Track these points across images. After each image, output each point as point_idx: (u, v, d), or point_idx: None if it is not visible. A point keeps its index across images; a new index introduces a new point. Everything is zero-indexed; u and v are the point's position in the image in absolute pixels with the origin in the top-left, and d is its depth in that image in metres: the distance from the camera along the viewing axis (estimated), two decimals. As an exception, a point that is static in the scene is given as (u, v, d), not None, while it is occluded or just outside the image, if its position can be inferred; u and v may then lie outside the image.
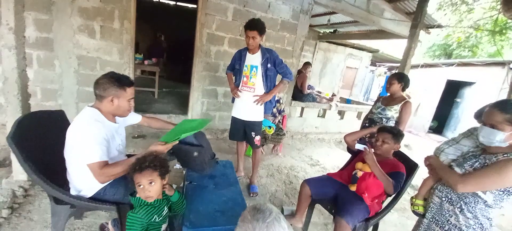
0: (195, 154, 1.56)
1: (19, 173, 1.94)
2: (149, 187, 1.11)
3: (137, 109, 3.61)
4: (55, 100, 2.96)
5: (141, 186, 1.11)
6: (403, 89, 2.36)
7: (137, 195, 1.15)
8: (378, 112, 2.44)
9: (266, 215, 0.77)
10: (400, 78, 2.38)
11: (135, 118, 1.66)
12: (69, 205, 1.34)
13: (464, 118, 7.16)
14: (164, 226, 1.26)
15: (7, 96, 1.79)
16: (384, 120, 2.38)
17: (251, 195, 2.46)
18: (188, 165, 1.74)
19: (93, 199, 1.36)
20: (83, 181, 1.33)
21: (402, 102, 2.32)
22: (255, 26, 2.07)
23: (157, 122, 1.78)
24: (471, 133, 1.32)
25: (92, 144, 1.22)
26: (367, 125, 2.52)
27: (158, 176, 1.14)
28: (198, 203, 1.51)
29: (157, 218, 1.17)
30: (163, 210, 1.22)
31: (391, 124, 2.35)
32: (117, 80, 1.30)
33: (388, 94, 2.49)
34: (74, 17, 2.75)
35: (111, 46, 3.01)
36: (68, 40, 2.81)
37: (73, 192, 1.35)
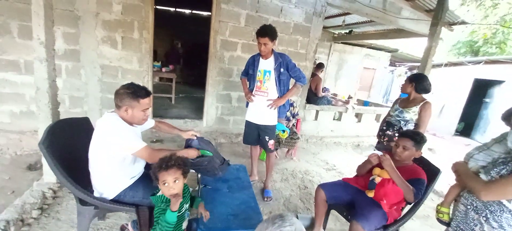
0: (205, 163, 1.61)
1: (49, 176, 2.09)
2: (174, 185, 1.18)
3: (155, 115, 3.78)
4: (81, 107, 3.16)
5: (166, 184, 1.17)
6: (418, 90, 2.23)
7: (162, 193, 1.22)
8: (396, 115, 2.32)
9: (285, 224, 0.77)
10: (411, 78, 2.28)
11: (149, 123, 1.74)
12: (93, 206, 1.43)
13: (494, 120, 6.66)
14: (184, 224, 1.32)
15: (39, 105, 1.95)
16: (402, 122, 2.26)
17: (265, 199, 2.45)
18: (200, 172, 1.79)
19: (114, 201, 1.44)
20: (105, 183, 1.42)
21: (422, 103, 2.19)
22: (266, 32, 2.09)
23: (164, 126, 1.87)
24: (503, 138, 1.24)
25: (129, 136, 1.36)
26: (384, 128, 2.42)
27: (182, 174, 1.21)
28: (212, 206, 1.54)
29: (177, 213, 1.23)
30: (183, 207, 1.28)
31: (410, 126, 2.23)
32: (132, 92, 1.39)
33: (406, 96, 2.37)
34: (98, 30, 2.95)
35: (131, 55, 3.18)
36: (93, 51, 3.00)
37: (96, 194, 1.44)
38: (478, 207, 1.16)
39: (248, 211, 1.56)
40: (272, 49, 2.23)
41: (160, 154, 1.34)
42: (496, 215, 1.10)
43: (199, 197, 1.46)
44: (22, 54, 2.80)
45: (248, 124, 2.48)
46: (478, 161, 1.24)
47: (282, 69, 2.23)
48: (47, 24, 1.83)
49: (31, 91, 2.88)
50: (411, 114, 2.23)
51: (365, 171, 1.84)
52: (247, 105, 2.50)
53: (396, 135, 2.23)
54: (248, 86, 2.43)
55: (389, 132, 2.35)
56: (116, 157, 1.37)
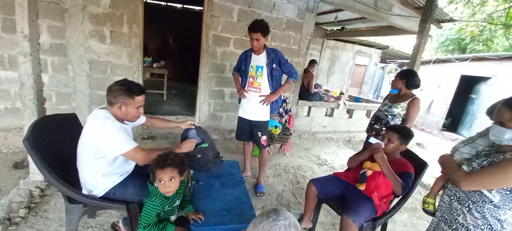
0: (199, 156, 1.60)
1: (36, 174, 2.03)
2: (170, 183, 1.19)
3: (146, 111, 3.69)
4: (69, 103, 3.08)
5: (162, 182, 1.18)
6: (408, 86, 2.28)
7: (157, 187, 1.22)
8: (384, 110, 2.39)
9: (279, 219, 0.78)
10: (402, 75, 2.33)
11: (140, 119, 1.71)
12: (82, 204, 1.40)
13: (480, 115, 6.89)
14: (173, 217, 1.34)
15: (23, 101, 1.88)
16: (390, 117, 2.33)
17: (258, 195, 2.47)
18: (193, 167, 1.78)
19: (104, 198, 1.41)
20: (95, 181, 1.39)
21: (410, 99, 2.25)
22: (258, 28, 2.07)
23: (158, 121, 1.85)
24: (487, 132, 1.29)
25: (118, 135, 1.31)
26: (373, 122, 2.49)
27: (178, 173, 1.21)
28: (204, 202, 1.54)
29: (167, 207, 1.25)
30: (175, 202, 1.30)
31: (397, 121, 2.30)
32: (127, 89, 1.36)
33: (397, 92, 2.43)
34: (85, 23, 2.86)
35: (120, 50, 3.10)
36: (80, 46, 2.92)
37: (85, 191, 1.41)
38: (461, 197, 1.21)
39: (241, 207, 1.56)
40: (264, 45, 2.22)
41: (152, 155, 1.30)
42: (478, 206, 1.14)
43: (190, 204, 1.46)
44: (6, 49, 2.70)
45: (241, 120, 2.48)
46: (463, 153, 1.29)
47: (274, 65, 2.22)
48: (31, 17, 1.77)
49: (16, 87, 2.78)
50: (399, 109, 2.29)
51: (356, 163, 1.88)
52: (239, 102, 2.49)
53: (384, 129, 2.29)
54: (240, 82, 2.42)
55: (377, 126, 2.42)
56: (107, 157, 1.34)
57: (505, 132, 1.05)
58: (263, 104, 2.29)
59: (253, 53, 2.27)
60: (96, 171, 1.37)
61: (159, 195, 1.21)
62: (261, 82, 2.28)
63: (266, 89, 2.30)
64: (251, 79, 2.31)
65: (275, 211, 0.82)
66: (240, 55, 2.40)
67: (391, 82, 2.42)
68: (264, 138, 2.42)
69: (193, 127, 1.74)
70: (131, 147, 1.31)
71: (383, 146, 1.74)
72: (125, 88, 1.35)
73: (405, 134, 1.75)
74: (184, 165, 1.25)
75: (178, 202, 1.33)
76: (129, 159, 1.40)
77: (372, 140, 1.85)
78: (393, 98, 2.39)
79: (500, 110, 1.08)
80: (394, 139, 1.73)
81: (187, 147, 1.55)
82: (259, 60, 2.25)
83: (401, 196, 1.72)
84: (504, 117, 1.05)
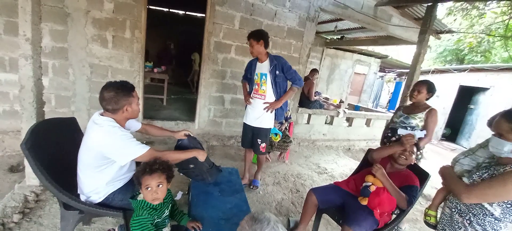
0: (191, 166, 1.59)
1: (31, 178, 2.00)
2: (157, 189, 1.15)
3: (146, 116, 3.71)
4: (68, 107, 3.06)
5: (149, 188, 1.14)
6: (427, 100, 2.22)
7: (144, 198, 1.17)
8: (400, 122, 2.28)
9: (264, 226, 0.76)
10: (430, 88, 2.18)
11: (136, 125, 1.69)
12: (78, 210, 1.37)
13: (479, 125, 6.91)
14: (166, 230, 1.28)
15: (22, 104, 1.87)
16: (408, 129, 2.17)
17: (251, 187, 2.61)
18: (188, 175, 1.76)
19: (101, 204, 1.38)
20: (96, 186, 1.36)
21: (427, 110, 2.16)
22: (249, 35, 2.21)
23: (153, 129, 1.82)
24: (487, 143, 1.28)
25: (129, 141, 1.32)
26: (389, 134, 2.38)
27: (165, 179, 1.18)
28: (202, 210, 1.51)
29: (157, 218, 1.20)
30: (164, 212, 1.25)
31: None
32: (122, 89, 1.35)
33: (410, 102, 2.33)
34: (88, 28, 2.87)
35: (122, 55, 3.11)
36: (82, 49, 2.92)
37: (82, 197, 1.38)
38: (462, 210, 1.19)
39: (240, 215, 1.52)
40: (267, 53, 2.29)
41: (168, 155, 1.38)
42: (479, 219, 1.12)
43: (185, 215, 1.42)
44: (8, 51, 2.69)
45: (245, 127, 2.51)
46: (464, 165, 1.28)
47: (277, 72, 2.26)
48: (34, 20, 1.77)
49: (15, 89, 2.77)
50: (417, 120, 2.19)
51: (384, 156, 1.81)
52: (246, 108, 2.53)
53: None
54: (247, 90, 2.48)
55: (394, 138, 2.30)
56: (120, 163, 1.33)
57: (504, 144, 1.04)
58: (267, 111, 2.31)
59: (258, 62, 2.33)
60: (101, 178, 1.35)
61: (146, 206, 1.15)
62: (266, 90, 2.32)
63: (270, 96, 2.34)
64: (256, 86, 2.37)
65: (255, 220, 0.79)
66: (247, 64, 2.48)
67: (414, 92, 2.23)
68: (263, 145, 2.43)
69: (185, 137, 1.72)
70: (145, 149, 1.33)
71: (417, 137, 1.68)
72: (121, 89, 1.34)
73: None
74: (172, 172, 1.23)
75: (167, 213, 1.27)
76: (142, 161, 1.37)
77: (401, 131, 1.78)
78: (408, 109, 2.30)
79: (499, 122, 1.08)
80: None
81: (201, 157, 1.60)
82: (263, 68, 2.30)
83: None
84: (503, 128, 1.05)
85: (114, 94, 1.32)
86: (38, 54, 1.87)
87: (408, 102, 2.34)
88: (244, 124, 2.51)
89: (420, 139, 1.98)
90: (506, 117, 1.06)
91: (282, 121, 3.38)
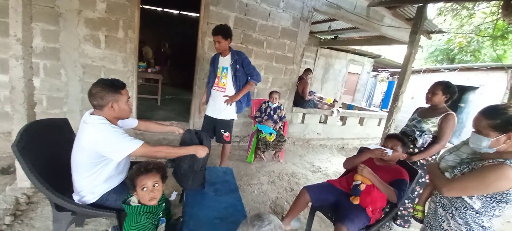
0: (186, 166, 1.60)
1: (23, 180, 1.97)
2: (154, 189, 1.16)
3: (140, 117, 3.68)
4: (60, 108, 3.02)
5: (145, 189, 1.14)
6: (447, 102, 2.02)
7: (140, 199, 1.17)
8: (412, 125, 2.12)
9: (264, 224, 0.79)
10: (446, 88, 1.97)
11: (132, 122, 1.69)
12: (71, 212, 1.36)
13: (468, 123, 7.07)
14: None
15: (13, 105, 1.84)
16: (417, 133, 2.04)
17: None
18: (174, 171, 1.76)
19: (95, 205, 1.38)
20: (92, 186, 1.36)
21: (443, 115, 1.96)
22: (218, 31, 2.26)
23: (154, 126, 1.84)
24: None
25: (122, 137, 1.30)
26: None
27: (161, 178, 1.19)
28: (197, 210, 1.52)
29: (154, 222, 1.20)
30: (158, 214, 1.26)
31: (427, 137, 2.02)
32: (110, 85, 1.32)
33: (429, 105, 2.12)
34: (80, 28, 2.84)
35: (115, 55, 3.08)
36: (74, 50, 2.88)
37: (76, 198, 1.37)
38: (445, 204, 1.24)
39: (236, 215, 1.55)
40: (230, 47, 2.40)
41: (163, 149, 1.38)
42: (460, 212, 1.16)
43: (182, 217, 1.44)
44: (-3, 52, 2.64)
45: (206, 118, 2.63)
46: (448, 161, 1.32)
47: (237, 66, 2.39)
48: (25, 20, 1.75)
49: (5, 91, 2.72)
50: (430, 125, 2.01)
51: (352, 166, 1.88)
52: (207, 102, 2.66)
53: (410, 145, 2.06)
54: (208, 83, 2.62)
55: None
56: (115, 160, 1.31)
57: (482, 139, 1.08)
58: (227, 104, 2.42)
59: (220, 56, 2.44)
60: (98, 177, 1.34)
61: (142, 211, 1.14)
62: (226, 83, 2.44)
63: (230, 89, 2.46)
64: (216, 79, 2.48)
65: (258, 218, 0.83)
66: (211, 57, 2.59)
67: (429, 94, 2.07)
68: (226, 134, 2.58)
69: (182, 133, 1.73)
70: (139, 144, 1.31)
71: (389, 154, 1.73)
72: (109, 85, 1.31)
73: (406, 143, 1.80)
74: (166, 172, 1.23)
75: (161, 214, 1.27)
76: (138, 156, 1.36)
77: (373, 146, 1.81)
78: (423, 113, 2.12)
79: (477, 119, 1.12)
80: (397, 146, 1.76)
81: (201, 153, 1.56)
82: (225, 61, 2.43)
83: (393, 204, 1.74)
84: (481, 125, 1.10)
85: (100, 90, 1.30)
86: (29, 55, 1.85)
87: (427, 105, 2.15)
88: (205, 115, 2.63)
89: (430, 144, 1.98)
90: (484, 114, 1.10)
91: (275, 120, 3.41)
